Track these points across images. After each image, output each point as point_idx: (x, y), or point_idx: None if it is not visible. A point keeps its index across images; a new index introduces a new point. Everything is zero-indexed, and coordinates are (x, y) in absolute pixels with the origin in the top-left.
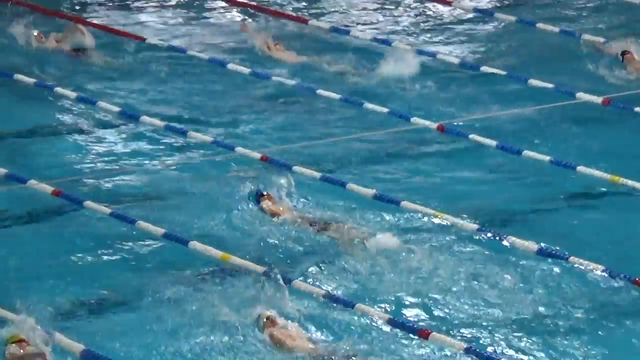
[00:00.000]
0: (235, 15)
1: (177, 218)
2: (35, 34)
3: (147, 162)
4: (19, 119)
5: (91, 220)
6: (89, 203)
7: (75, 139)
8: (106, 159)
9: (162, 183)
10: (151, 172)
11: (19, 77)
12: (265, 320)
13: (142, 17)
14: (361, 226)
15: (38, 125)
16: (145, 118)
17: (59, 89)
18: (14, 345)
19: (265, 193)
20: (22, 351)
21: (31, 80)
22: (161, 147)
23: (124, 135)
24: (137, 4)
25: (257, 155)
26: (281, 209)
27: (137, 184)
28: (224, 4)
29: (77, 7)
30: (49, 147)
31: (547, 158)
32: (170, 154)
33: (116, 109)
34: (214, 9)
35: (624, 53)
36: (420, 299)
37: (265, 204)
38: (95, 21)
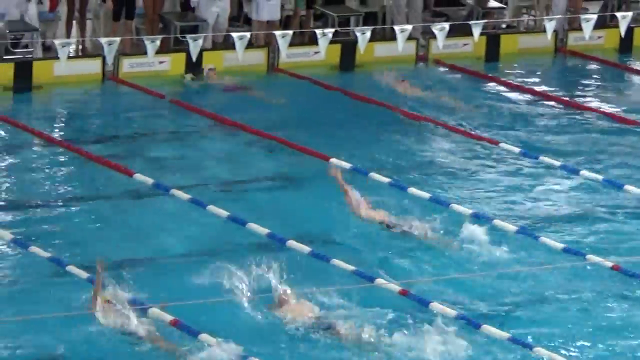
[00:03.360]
0: None
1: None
2: None
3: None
4: None
5: None
6: (434, 304)
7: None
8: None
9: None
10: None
11: (373, 175)
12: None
13: None
14: None
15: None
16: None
17: (412, 189)
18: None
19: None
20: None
21: (386, 179)
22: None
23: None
24: None
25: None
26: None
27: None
28: None
29: None
30: (393, 246)
31: None
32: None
33: (468, 210)
34: None
35: None
36: None
37: None
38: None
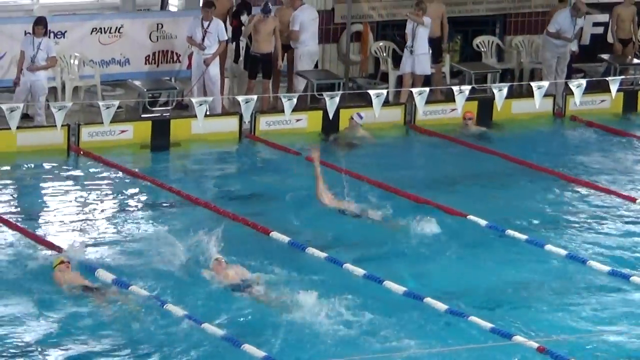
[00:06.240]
0: None
1: None
2: None
3: None
4: (502, 272)
5: None
6: None
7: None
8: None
9: None
10: None
11: (509, 232)
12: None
13: None
14: None
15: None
16: None
17: (548, 246)
18: (60, 265)
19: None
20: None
21: (523, 236)
22: None
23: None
24: None
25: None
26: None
27: None
28: None
29: None
30: (532, 303)
31: None
32: None
33: (605, 267)
34: None
35: None
36: None
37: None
38: None
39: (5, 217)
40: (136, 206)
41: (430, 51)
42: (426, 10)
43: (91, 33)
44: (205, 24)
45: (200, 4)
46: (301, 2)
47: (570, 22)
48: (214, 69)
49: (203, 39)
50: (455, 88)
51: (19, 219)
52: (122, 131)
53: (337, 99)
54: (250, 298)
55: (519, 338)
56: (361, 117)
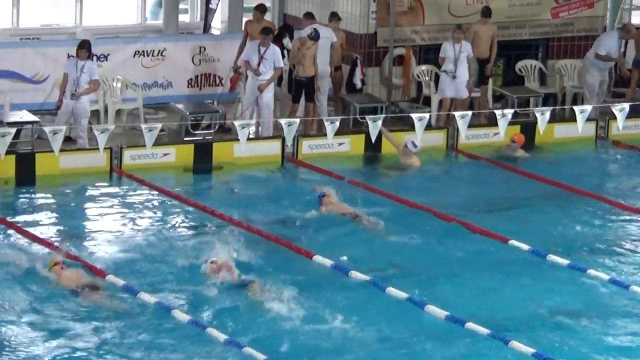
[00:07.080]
0: None
1: None
2: None
3: None
4: (544, 297)
5: None
6: None
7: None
8: None
9: None
10: None
11: (551, 256)
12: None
13: None
14: None
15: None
16: None
17: (591, 271)
18: (55, 267)
19: (325, 194)
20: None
21: (565, 261)
22: None
23: None
24: None
25: None
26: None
27: None
28: None
29: None
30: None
31: None
32: None
33: None
34: None
35: None
36: None
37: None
38: None
39: (48, 239)
40: (178, 229)
41: (477, 72)
42: (466, 33)
43: (134, 56)
44: (262, 49)
45: (242, 27)
46: (311, 22)
47: (617, 43)
48: (268, 94)
49: (259, 65)
50: (497, 112)
51: (62, 241)
52: (165, 154)
53: (379, 123)
54: (281, 320)
55: None
56: (416, 146)
